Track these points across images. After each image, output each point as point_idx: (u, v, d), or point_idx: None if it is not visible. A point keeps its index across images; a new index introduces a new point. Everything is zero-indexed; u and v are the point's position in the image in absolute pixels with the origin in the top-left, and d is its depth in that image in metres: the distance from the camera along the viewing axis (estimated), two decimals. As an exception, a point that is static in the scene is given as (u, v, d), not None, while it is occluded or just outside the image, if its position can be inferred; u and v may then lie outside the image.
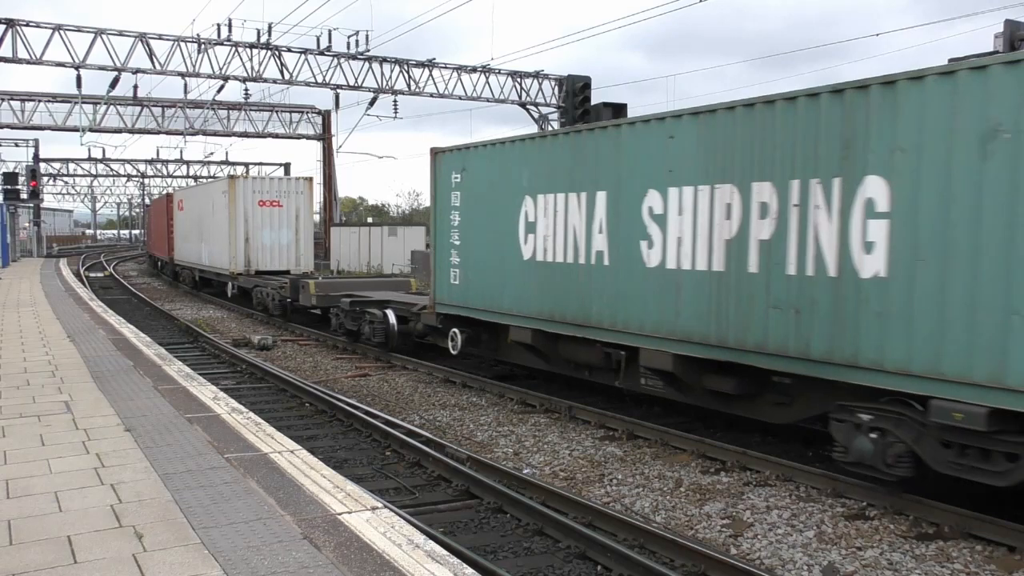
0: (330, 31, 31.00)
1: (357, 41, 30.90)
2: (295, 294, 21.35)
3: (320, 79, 31.14)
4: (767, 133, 8.58)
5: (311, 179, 27.84)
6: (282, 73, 30.49)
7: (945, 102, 7.04)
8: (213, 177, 65.85)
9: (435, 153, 14.63)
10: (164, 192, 52.76)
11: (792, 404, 9.05)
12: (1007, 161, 6.63)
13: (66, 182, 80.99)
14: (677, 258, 9.71)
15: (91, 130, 38.50)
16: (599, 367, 11.39)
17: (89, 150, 58.28)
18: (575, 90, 32.44)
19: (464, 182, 13.75)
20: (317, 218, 42.03)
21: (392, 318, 16.82)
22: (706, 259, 9.33)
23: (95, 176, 74.38)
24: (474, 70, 33.41)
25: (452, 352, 14.34)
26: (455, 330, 14.11)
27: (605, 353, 11.08)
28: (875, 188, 7.58)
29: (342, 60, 31.12)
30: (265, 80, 30.55)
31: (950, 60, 7.41)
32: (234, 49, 29.43)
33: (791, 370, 8.45)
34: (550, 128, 34.09)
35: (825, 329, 8.01)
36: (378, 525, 4.77)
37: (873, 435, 7.76)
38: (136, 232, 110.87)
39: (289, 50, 30.24)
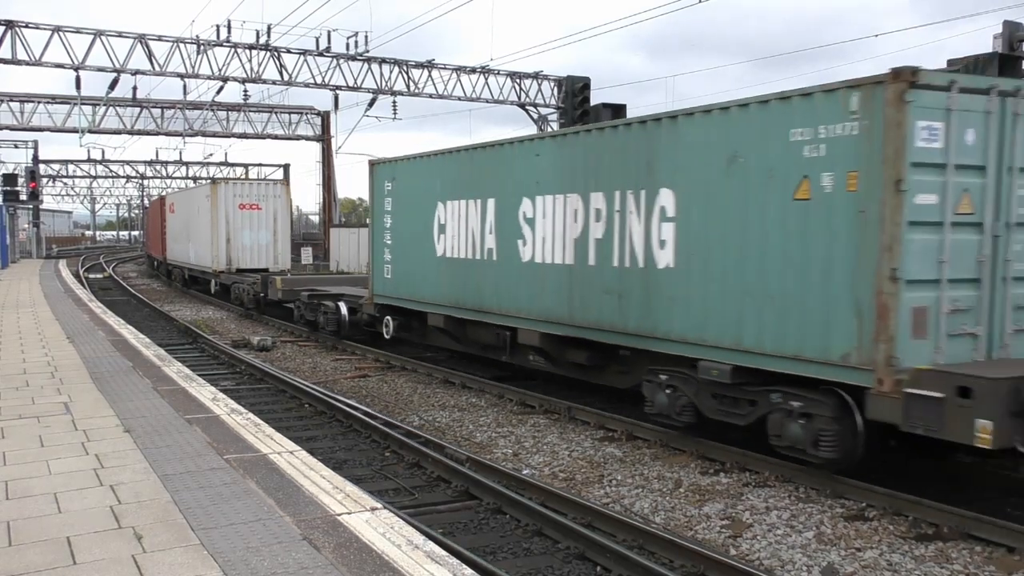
0: (329, 32, 31.05)
1: (356, 42, 30.91)
2: (265, 289, 23.40)
3: (319, 80, 31.15)
4: (600, 153, 10.81)
5: (288, 183, 30.60)
6: (281, 74, 30.50)
7: (706, 133, 9.24)
8: (212, 178, 65.89)
9: (372, 164, 17.00)
10: (160, 195, 53.91)
11: (630, 372, 10.97)
12: (741, 178, 8.83)
13: (65, 183, 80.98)
14: (542, 254, 11.97)
15: (90, 131, 38.53)
16: (494, 346, 13.40)
17: (88, 151, 58.34)
18: (574, 91, 32.46)
19: (394, 190, 16.11)
20: (316, 219, 42.20)
21: (344, 309, 18.92)
22: (561, 255, 11.55)
23: (94, 177, 74.43)
24: (473, 71, 33.41)
25: (385, 336, 16.85)
26: (388, 318, 16.62)
27: (496, 333, 13.15)
28: (666, 198, 9.79)
29: (341, 61, 31.12)
30: (264, 81, 30.56)
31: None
32: (233, 50, 29.43)
33: (617, 343, 10.71)
34: (549, 129, 34.16)
35: (637, 309, 10.25)
36: (377, 526, 4.77)
37: (667, 391, 9.97)
38: (135, 233, 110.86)
39: (288, 51, 30.25)
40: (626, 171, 10.36)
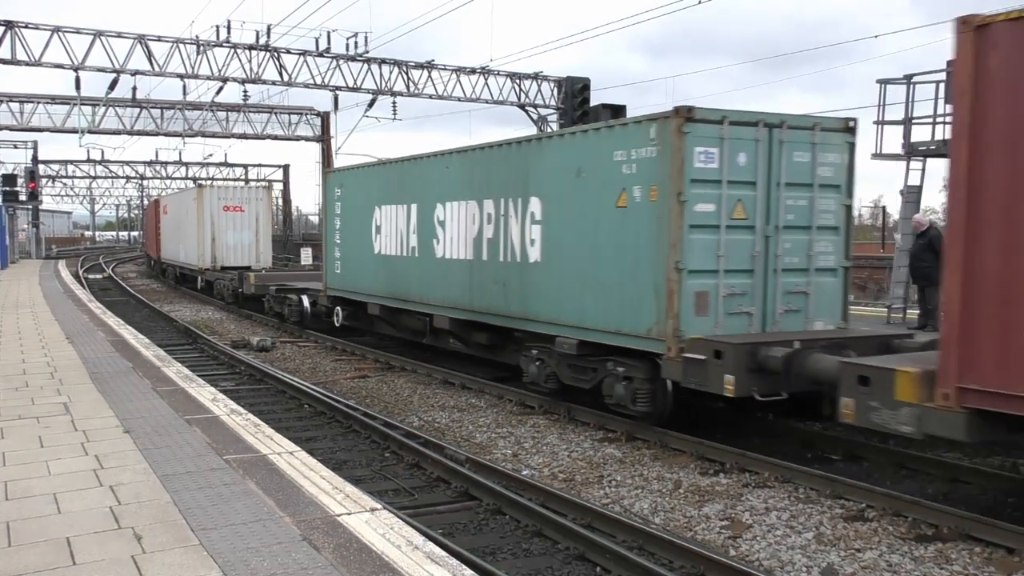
0: (329, 32, 30.97)
1: (356, 43, 30.87)
2: (240, 284, 25.68)
3: (319, 81, 31.12)
4: (491, 167, 12.92)
5: (270, 186, 33.60)
6: (281, 75, 30.48)
7: (562, 153, 11.40)
8: (211, 178, 65.99)
9: (325, 173, 20.16)
10: (158, 196, 56.00)
11: (520, 350, 12.66)
12: (584, 189, 10.91)
13: (65, 184, 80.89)
14: (450, 251, 14.11)
15: (90, 132, 38.46)
16: (420, 331, 15.67)
17: (88, 152, 58.19)
18: (574, 91, 32.44)
19: (342, 196, 18.47)
20: (316, 219, 42.42)
21: (306, 302, 21.10)
22: (463, 251, 13.67)
23: (94, 178, 74.34)
24: (473, 71, 33.40)
25: (336, 324, 19.22)
26: (338, 308, 18.93)
27: (419, 319, 15.44)
28: (535, 205, 11.90)
29: (341, 62, 31.10)
30: (264, 82, 30.52)
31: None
32: (233, 51, 29.42)
33: (504, 324, 12.80)
34: (548, 129, 34.19)
35: (516, 296, 12.33)
36: (377, 526, 4.77)
37: (536, 363, 12.02)
38: (135, 234, 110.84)
39: (288, 51, 30.22)
40: (509, 182, 12.51)
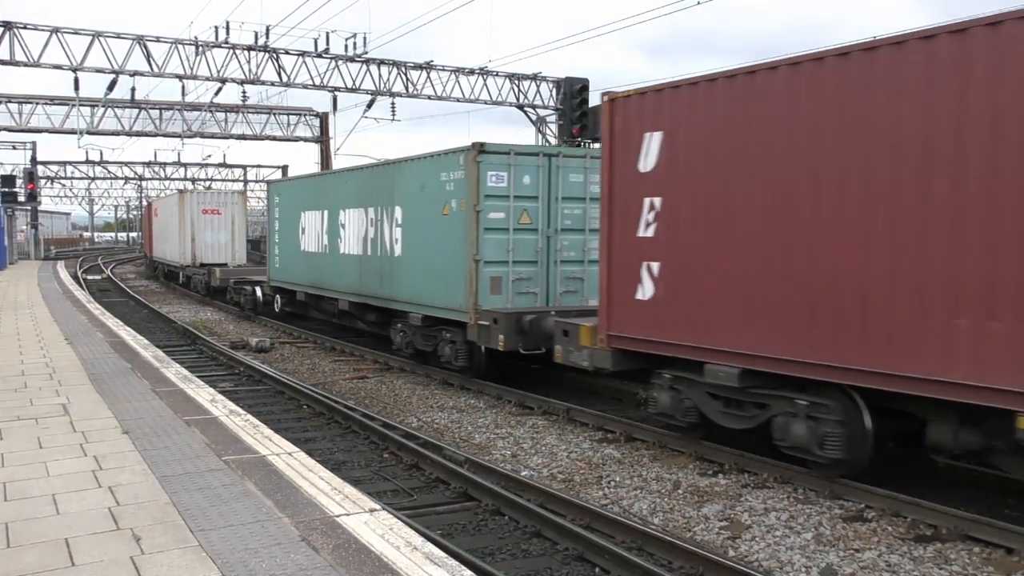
0: (328, 33, 30.92)
1: (355, 43, 30.85)
2: (210, 278, 29.44)
3: (318, 81, 31.10)
4: (372, 182, 16.72)
5: (244, 192, 39.00)
6: (280, 75, 30.45)
7: (414, 172, 14.93)
8: (211, 179, 65.98)
9: (268, 184, 25.47)
10: (150, 199, 58.58)
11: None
12: (425, 201, 14.42)
13: (64, 184, 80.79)
14: (348, 248, 17.77)
15: (89, 132, 38.41)
16: (334, 313, 19.43)
17: (87, 152, 58.17)
18: (573, 92, 32.41)
19: (280, 203, 22.47)
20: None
21: (258, 292, 24.95)
22: (356, 248, 17.34)
23: (93, 179, 74.21)
24: (472, 72, 33.39)
25: (276, 310, 23.33)
26: (277, 296, 23.01)
27: (330, 303, 19.18)
28: (398, 212, 15.45)
29: (340, 62, 31.08)
30: (263, 82, 30.49)
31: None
32: (232, 51, 29.40)
33: (382, 305, 16.34)
34: (547, 130, 34.23)
35: (388, 283, 15.86)
36: (376, 527, 4.77)
37: (400, 335, 15.79)
38: (133, 235, 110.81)
39: (287, 52, 30.20)
40: (383, 194, 16.11)
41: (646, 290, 10.03)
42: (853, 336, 7.75)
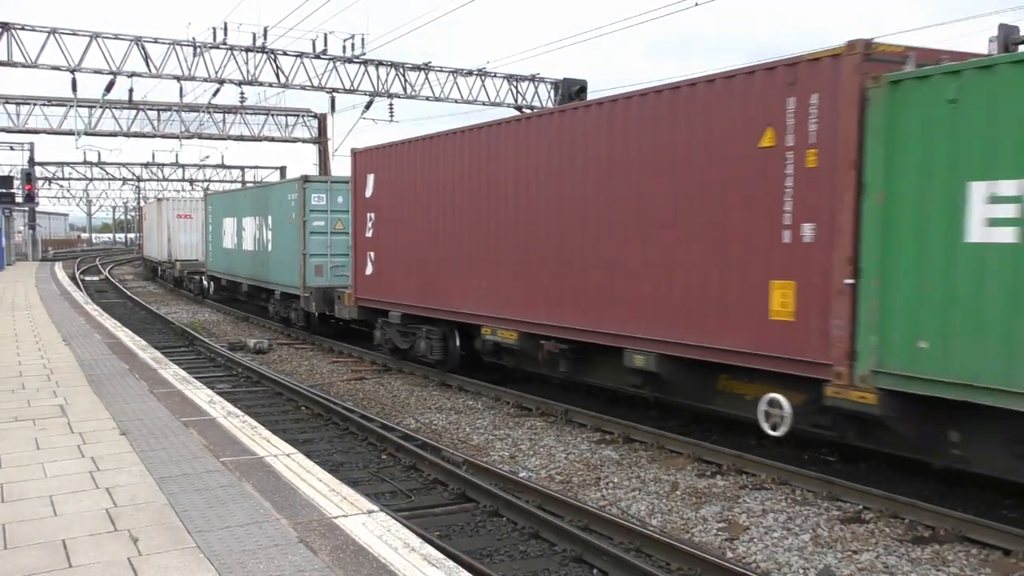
0: (326, 34, 30.88)
1: (353, 44, 30.86)
2: (174, 270, 36.33)
3: (316, 82, 31.10)
4: (258, 197, 23.66)
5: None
6: (278, 76, 30.44)
7: (276, 191, 22.28)
8: (208, 180, 65.94)
9: (205, 195, 32.92)
10: (145, 203, 61.89)
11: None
12: (282, 211, 21.01)
13: (61, 186, 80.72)
14: (247, 245, 24.52)
15: (86, 133, 38.39)
16: (242, 293, 26.04)
17: (84, 153, 58.17)
18: (571, 93, 32.41)
19: (212, 211, 29.23)
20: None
21: (204, 281, 30.84)
22: (251, 246, 23.92)
23: (90, 180, 74.12)
24: (470, 73, 33.39)
25: (209, 295, 30.20)
26: (211, 282, 29.65)
27: (238, 286, 25.91)
28: (270, 220, 22.07)
29: (338, 63, 31.08)
30: (261, 83, 30.48)
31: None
32: (230, 52, 29.39)
33: (264, 287, 22.94)
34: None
35: (265, 270, 22.69)
36: (374, 528, 4.77)
37: (271, 306, 22.84)
38: (131, 236, 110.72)
39: (285, 53, 30.19)
40: (263, 206, 23.06)
41: (370, 270, 16.39)
42: (444, 294, 13.94)
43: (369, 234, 16.12)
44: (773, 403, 8.70)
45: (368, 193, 16.21)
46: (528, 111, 34.58)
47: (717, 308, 8.97)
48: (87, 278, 42.90)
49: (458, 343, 14.22)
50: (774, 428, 8.67)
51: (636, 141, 10.02)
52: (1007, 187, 6.57)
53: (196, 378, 10.49)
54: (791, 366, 8.23)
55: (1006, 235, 6.59)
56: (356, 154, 16.71)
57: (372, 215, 16.04)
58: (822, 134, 7.85)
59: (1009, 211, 6.58)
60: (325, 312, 19.18)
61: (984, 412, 6.91)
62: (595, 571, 6.72)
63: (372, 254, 16.09)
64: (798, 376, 8.20)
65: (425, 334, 14.73)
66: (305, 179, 19.79)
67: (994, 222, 6.67)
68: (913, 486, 8.41)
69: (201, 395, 8.82)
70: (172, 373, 10.26)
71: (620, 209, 10.27)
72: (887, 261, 7.35)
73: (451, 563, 4.31)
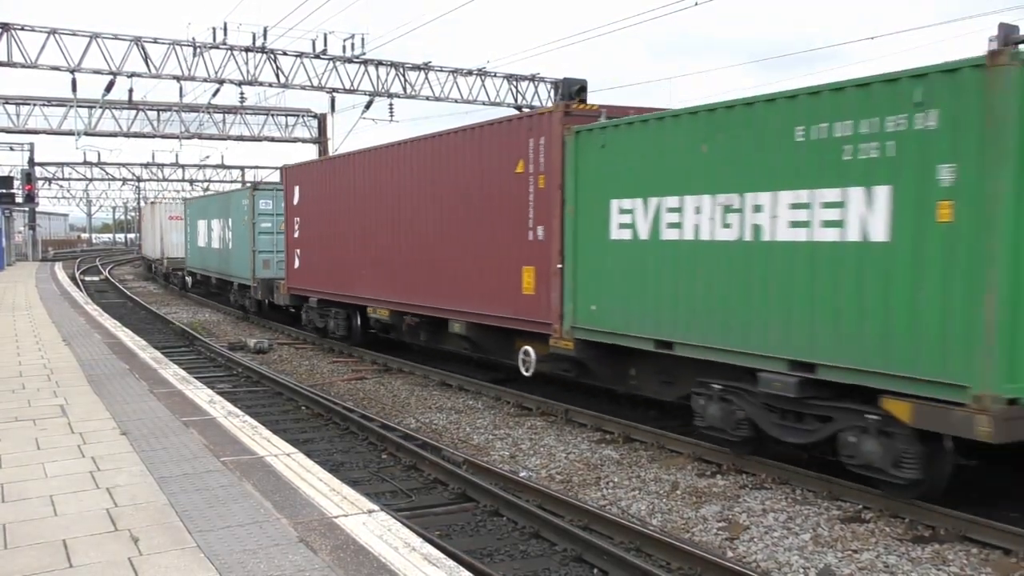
0: (326, 34, 30.92)
1: (353, 44, 30.89)
2: (164, 267, 39.91)
3: (316, 82, 31.12)
4: (222, 203, 27.60)
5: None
6: (278, 76, 30.47)
7: (234, 198, 26.23)
8: (208, 180, 65.93)
9: (184, 201, 37.49)
10: (144, 205, 64.51)
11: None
12: (239, 214, 24.95)
13: (61, 186, 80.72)
14: (215, 243, 28.31)
15: (86, 134, 38.41)
16: (211, 286, 30.02)
17: (84, 154, 58.13)
18: (571, 93, 32.32)
19: (190, 213, 33.25)
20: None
21: (187, 277, 34.45)
22: (218, 244, 27.79)
23: (90, 180, 74.14)
24: (470, 73, 33.41)
25: (188, 287, 34.69)
26: (188, 277, 34.00)
27: (208, 279, 29.78)
28: (230, 221, 26.06)
29: (338, 63, 31.11)
30: (261, 83, 30.52)
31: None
32: (229, 52, 29.41)
33: (228, 279, 26.84)
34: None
35: (228, 265, 26.51)
36: (374, 528, 4.77)
37: (232, 295, 26.80)
38: (131, 236, 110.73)
39: (285, 53, 30.22)
40: (225, 210, 26.59)
41: (297, 264, 20.02)
42: (345, 283, 17.46)
43: (296, 235, 20.16)
44: (526, 353, 12.17)
45: (295, 202, 20.21)
46: (528, 110, 34.60)
47: (496, 287, 12.48)
48: (87, 278, 42.90)
49: (359, 322, 17.79)
50: (527, 371, 12.19)
51: (445, 168, 13.82)
52: (627, 203, 10.05)
53: (196, 378, 10.49)
54: (534, 326, 11.77)
55: (626, 234, 10.09)
56: (284, 170, 21.02)
57: (298, 219, 20.05)
58: (546, 165, 11.39)
59: (627, 219, 10.05)
60: (268, 299, 22.81)
61: (646, 354, 10.08)
62: (595, 571, 6.72)
63: (298, 251, 19.99)
64: (539, 333, 11.67)
65: (333, 315, 18.55)
66: (254, 186, 24.30)
67: (621, 226, 10.14)
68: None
69: (201, 395, 8.82)
70: (172, 373, 10.26)
71: (438, 219, 14.12)
72: (576, 252, 10.85)
73: (451, 563, 4.32)
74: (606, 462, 9.72)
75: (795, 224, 8.06)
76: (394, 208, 15.52)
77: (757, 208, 8.43)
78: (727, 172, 8.73)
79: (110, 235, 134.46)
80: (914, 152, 7.01)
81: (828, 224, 7.75)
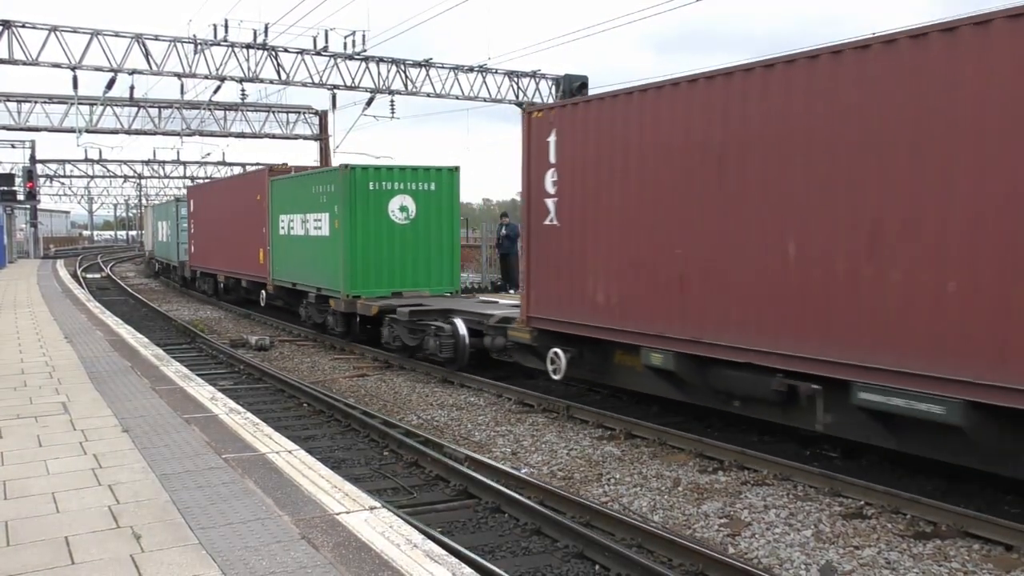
0: (327, 31, 30.83)
1: (354, 41, 30.83)
2: (150, 257, 46.96)
3: (317, 79, 31.08)
4: (168, 209, 38.33)
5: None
6: (279, 73, 30.44)
7: (175, 205, 36.51)
8: (210, 178, 65.96)
9: (151, 205, 51.46)
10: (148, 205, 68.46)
11: (174, 274, 37.16)
12: (178, 216, 35.33)
13: (63, 183, 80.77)
14: (167, 239, 38.52)
15: (87, 131, 38.41)
16: (172, 272, 37.73)
17: (86, 151, 58.13)
18: (571, 89, 32.37)
19: (155, 214, 43.69)
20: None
21: (156, 264, 42.21)
22: (164, 238, 39.60)
23: (92, 177, 74.18)
24: (471, 70, 33.36)
25: (156, 271, 43.70)
26: (158, 264, 42.44)
27: (173, 268, 37.21)
28: (171, 222, 36.27)
29: (339, 60, 31.07)
30: (262, 80, 30.48)
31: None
32: (230, 49, 29.38)
33: (172, 264, 37.60)
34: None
35: (172, 254, 36.72)
36: (376, 525, 4.77)
37: (204, 283, 31.28)
38: (132, 233, 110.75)
39: (286, 50, 30.18)
40: (172, 213, 35.61)
41: (193, 249, 29.83)
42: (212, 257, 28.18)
43: (192, 231, 30.50)
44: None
45: (191, 210, 30.87)
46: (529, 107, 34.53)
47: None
48: (89, 276, 42.93)
49: (222, 285, 27.65)
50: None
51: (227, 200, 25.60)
52: (284, 217, 21.40)
53: (198, 375, 10.49)
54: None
55: (284, 231, 21.58)
56: (189, 189, 32.59)
57: (192, 223, 30.13)
58: (264, 197, 22.49)
59: (284, 223, 21.40)
60: (184, 275, 32.78)
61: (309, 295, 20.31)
62: (597, 567, 6.72)
63: (193, 244, 30.12)
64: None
65: (202, 278, 29.75)
66: (176, 199, 38.21)
67: (284, 226, 21.32)
68: (915, 482, 8.41)
69: (203, 392, 8.83)
70: (174, 370, 10.26)
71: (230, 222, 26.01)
72: (274, 241, 22.33)
73: (453, 559, 4.32)
74: (607, 459, 9.72)
75: (313, 227, 19.21)
76: (221, 222, 27.02)
77: (304, 220, 19.70)
78: (297, 204, 20.24)
79: (111, 232, 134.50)
80: (332, 198, 17.97)
81: (317, 227, 18.94)
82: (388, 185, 17.63)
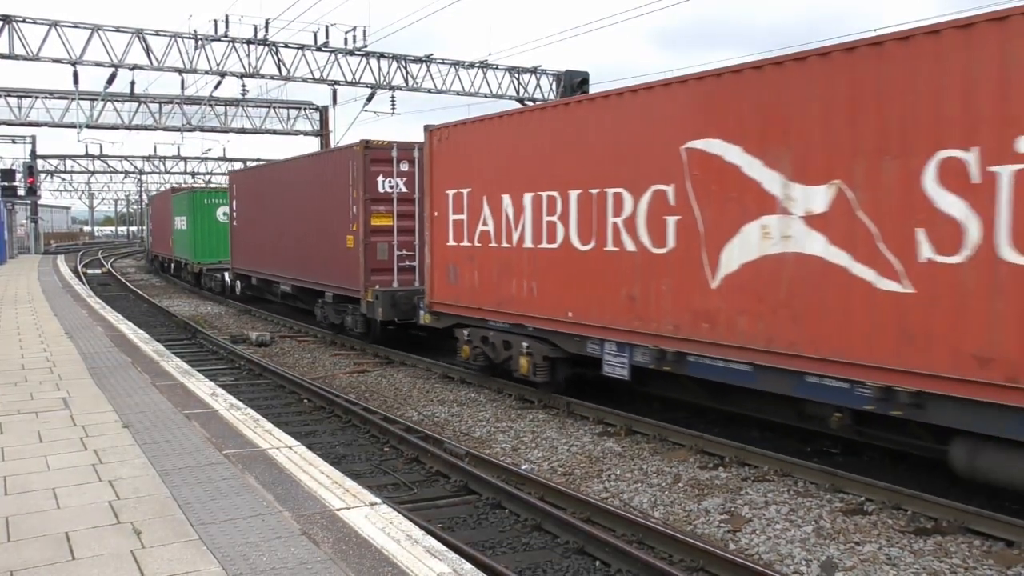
0: (327, 27, 30.76)
1: (355, 37, 30.76)
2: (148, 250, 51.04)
3: (317, 75, 31.02)
4: (178, 202, 36.47)
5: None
6: (279, 69, 30.38)
7: (188, 201, 34.59)
8: (211, 173, 66.00)
9: (177, 191, 41.95)
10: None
11: (192, 273, 34.84)
12: (170, 210, 39.35)
13: (63, 179, 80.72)
14: (173, 233, 40.01)
15: (88, 126, 38.37)
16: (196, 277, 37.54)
17: (86, 146, 58.20)
18: (572, 85, 32.36)
19: (153, 210, 47.20)
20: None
21: (167, 260, 41.93)
22: (183, 236, 36.20)
23: (92, 173, 74.10)
24: (472, 65, 33.31)
25: (166, 273, 42.86)
26: (170, 262, 40.84)
27: (172, 262, 39.65)
28: (183, 221, 35.47)
29: (339, 56, 31.01)
30: (262, 76, 30.41)
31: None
32: (231, 45, 29.33)
33: (166, 257, 41.78)
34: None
35: (170, 248, 39.25)
36: (376, 521, 4.77)
37: (188, 275, 35.33)
38: (133, 229, 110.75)
39: (287, 46, 30.13)
40: (180, 209, 35.01)
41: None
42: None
43: (237, 225, 28.45)
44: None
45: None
46: (531, 103, 34.49)
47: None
48: (89, 271, 42.94)
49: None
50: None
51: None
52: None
53: (198, 371, 10.50)
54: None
55: (226, 219, 30.26)
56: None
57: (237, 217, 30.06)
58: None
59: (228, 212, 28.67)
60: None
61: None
62: (597, 563, 6.72)
63: (168, 239, 37.29)
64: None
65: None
66: (192, 190, 36.13)
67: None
68: (916, 478, 8.41)
69: (203, 388, 8.83)
70: (174, 366, 10.26)
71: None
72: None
73: (453, 555, 4.32)
74: (608, 455, 9.72)
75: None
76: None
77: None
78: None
79: (112, 228, 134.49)
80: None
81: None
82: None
